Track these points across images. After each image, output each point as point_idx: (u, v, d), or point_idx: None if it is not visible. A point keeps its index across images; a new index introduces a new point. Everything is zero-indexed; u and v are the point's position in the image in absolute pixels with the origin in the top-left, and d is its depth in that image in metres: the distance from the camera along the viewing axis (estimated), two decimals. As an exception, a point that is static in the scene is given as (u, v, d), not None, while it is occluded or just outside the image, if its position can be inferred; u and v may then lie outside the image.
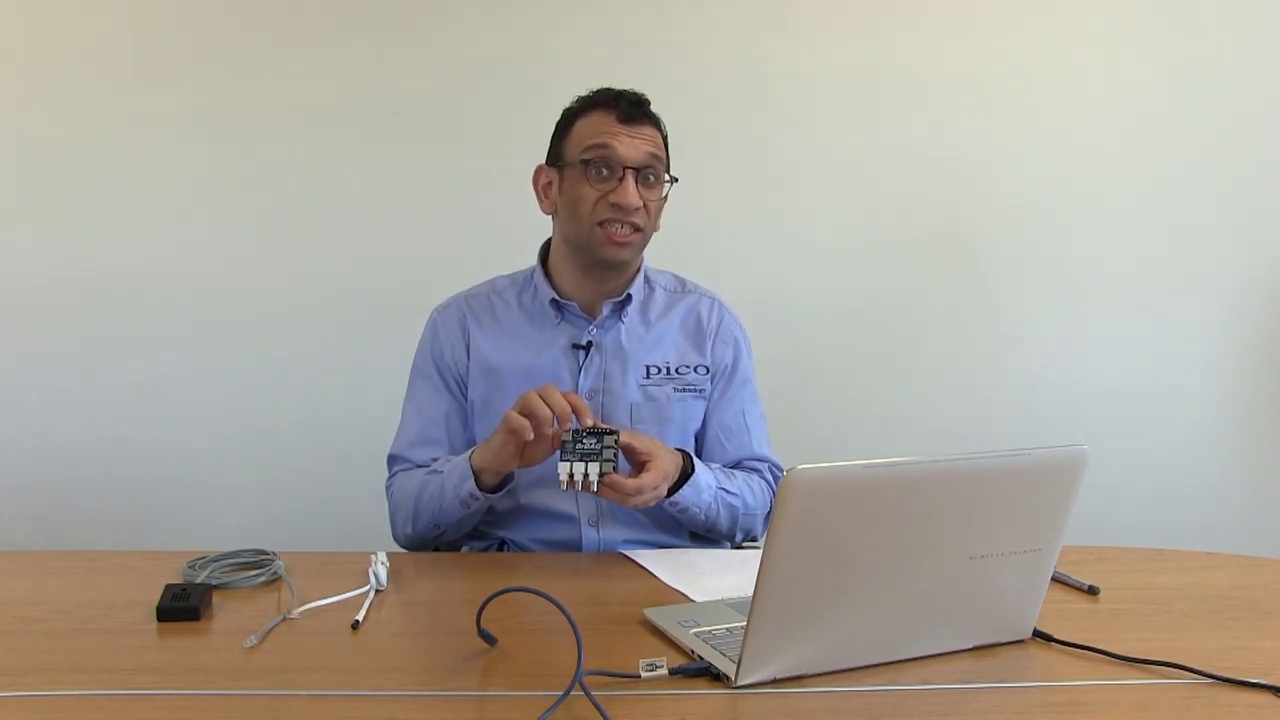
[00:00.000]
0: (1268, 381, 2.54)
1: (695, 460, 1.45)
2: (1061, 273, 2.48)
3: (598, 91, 1.50)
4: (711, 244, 2.34)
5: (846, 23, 2.37)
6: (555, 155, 1.51)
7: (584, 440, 1.31)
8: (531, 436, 1.32)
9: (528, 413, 1.31)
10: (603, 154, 1.44)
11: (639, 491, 1.32)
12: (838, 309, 2.46)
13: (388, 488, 1.57)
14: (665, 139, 1.52)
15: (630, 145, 1.44)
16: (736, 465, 1.58)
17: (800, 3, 2.37)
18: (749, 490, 1.53)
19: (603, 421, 1.44)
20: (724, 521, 1.49)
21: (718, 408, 1.58)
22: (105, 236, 2.31)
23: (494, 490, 1.42)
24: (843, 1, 2.37)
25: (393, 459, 1.58)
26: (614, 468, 1.31)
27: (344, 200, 2.34)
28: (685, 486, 1.42)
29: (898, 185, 2.43)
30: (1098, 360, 2.50)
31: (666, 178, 1.49)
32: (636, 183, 1.44)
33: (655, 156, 1.46)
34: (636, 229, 1.46)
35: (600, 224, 1.45)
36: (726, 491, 1.48)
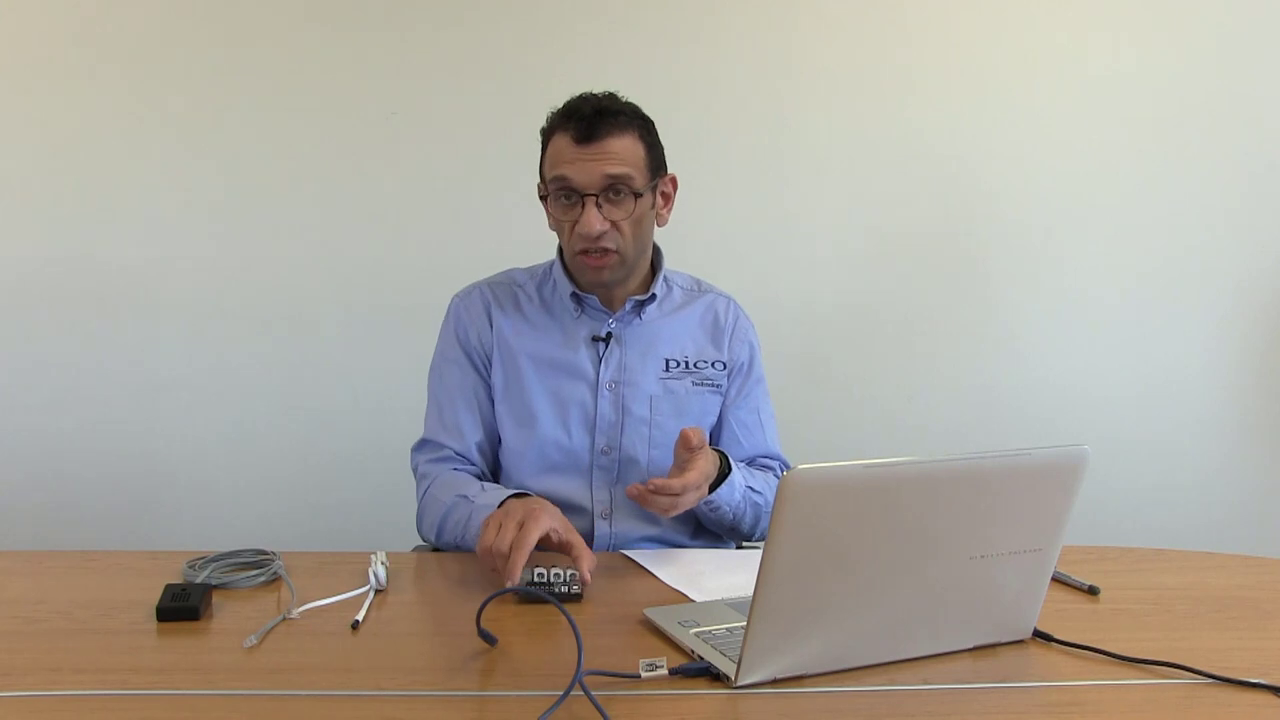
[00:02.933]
0: (1268, 380, 2.54)
1: (731, 460, 1.45)
2: (1062, 272, 2.48)
3: (563, 106, 1.47)
4: (716, 244, 2.34)
5: (850, 25, 2.37)
6: (540, 176, 1.51)
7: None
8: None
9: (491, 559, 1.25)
10: (562, 185, 1.43)
11: (684, 489, 1.31)
12: (839, 309, 2.46)
13: (417, 470, 1.55)
14: (646, 137, 1.47)
15: (584, 170, 1.41)
16: (750, 462, 1.59)
17: (804, 4, 2.36)
18: (768, 488, 1.53)
19: (623, 409, 1.50)
20: (748, 520, 1.50)
21: (735, 404, 1.59)
22: (104, 235, 2.31)
23: None
24: (846, 3, 2.37)
25: (425, 443, 1.57)
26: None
27: (344, 200, 2.34)
28: (723, 485, 1.42)
29: (900, 186, 2.43)
30: (1098, 359, 2.50)
31: (639, 188, 1.44)
32: (599, 206, 1.42)
33: (615, 176, 1.41)
34: (611, 250, 1.45)
35: (579, 252, 1.46)
36: (753, 490, 1.49)
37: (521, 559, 1.19)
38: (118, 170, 2.30)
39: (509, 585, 1.17)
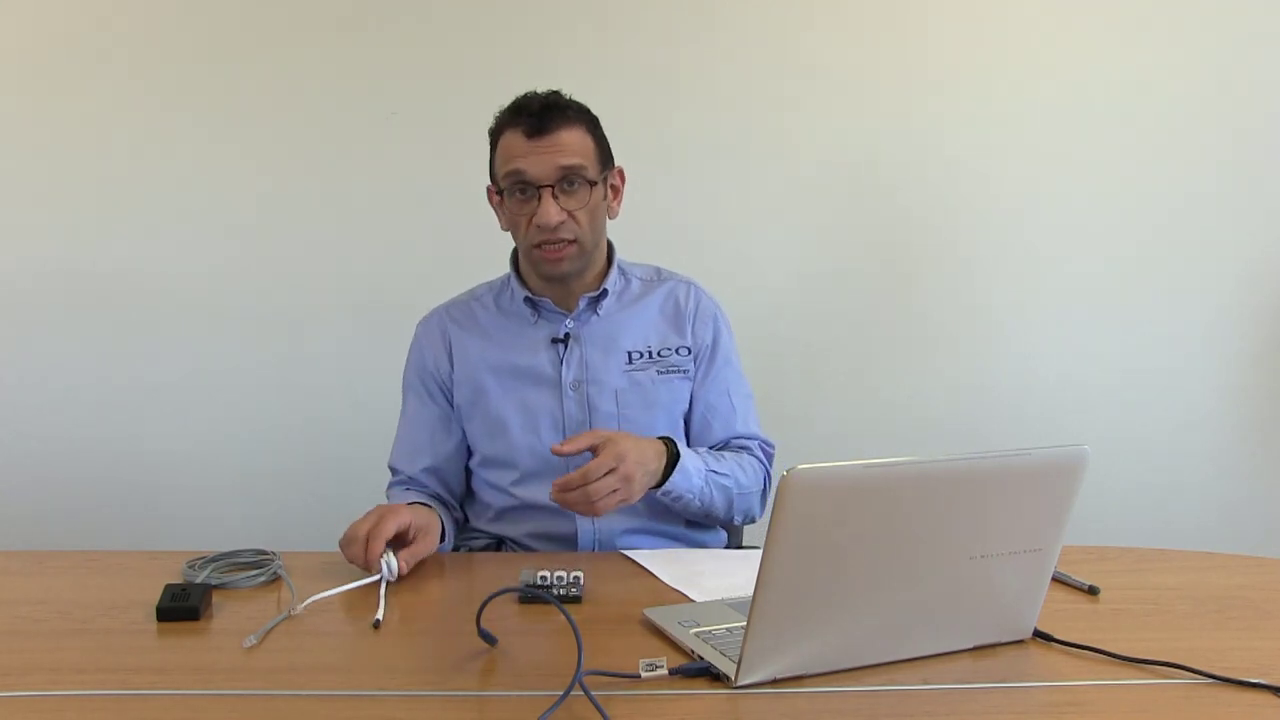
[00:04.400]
0: (1268, 379, 2.54)
1: (680, 445, 1.44)
2: (1062, 271, 2.47)
3: (510, 105, 1.49)
4: (708, 240, 2.33)
5: (843, 21, 2.37)
6: (492, 176, 1.53)
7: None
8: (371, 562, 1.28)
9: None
10: (516, 179, 1.45)
11: (585, 479, 1.28)
12: (839, 309, 2.46)
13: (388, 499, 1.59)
14: (594, 130, 1.50)
15: (538, 163, 1.43)
16: (725, 445, 1.58)
17: (802, 3, 2.36)
18: (740, 470, 1.52)
19: (589, 407, 1.51)
20: (719, 505, 1.48)
21: (702, 388, 1.58)
22: (105, 236, 2.31)
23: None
24: (835, 3, 2.37)
25: (390, 468, 1.61)
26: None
27: (344, 201, 2.34)
28: (674, 474, 1.40)
29: (896, 182, 2.42)
30: (1099, 358, 2.50)
31: (592, 178, 1.46)
32: (555, 196, 1.44)
33: (569, 167, 1.43)
34: (570, 241, 1.46)
35: (536, 245, 1.47)
36: (716, 473, 1.48)
37: (377, 547, 1.26)
38: (117, 173, 2.30)
39: (370, 573, 1.26)
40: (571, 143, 1.45)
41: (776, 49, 2.37)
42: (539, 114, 1.44)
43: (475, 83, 2.32)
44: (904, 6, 2.38)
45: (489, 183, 1.55)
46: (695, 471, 1.44)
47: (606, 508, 1.31)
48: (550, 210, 1.43)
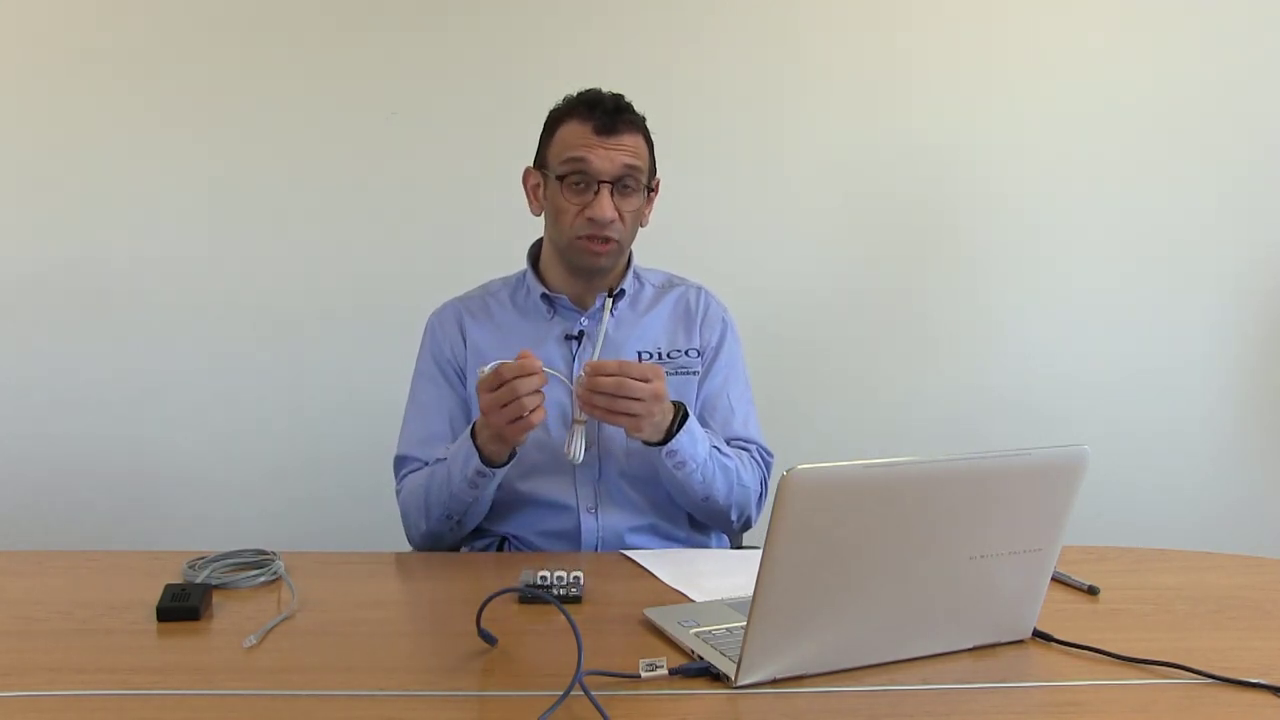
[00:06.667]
0: (1267, 379, 2.54)
1: (687, 408, 1.44)
2: (1063, 268, 2.47)
3: (579, 96, 1.51)
4: (709, 240, 2.34)
5: (844, 20, 2.37)
6: (540, 160, 1.55)
7: None
8: (524, 413, 1.31)
9: (504, 400, 1.30)
10: (578, 168, 1.46)
11: (622, 370, 1.30)
12: (839, 308, 2.46)
13: (397, 492, 1.57)
14: (649, 140, 1.53)
15: (605, 158, 1.46)
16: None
17: (793, 5, 2.36)
18: (739, 462, 1.52)
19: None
20: (720, 486, 1.47)
21: (701, 385, 1.59)
22: (106, 235, 2.31)
23: (503, 464, 1.42)
24: (837, 3, 2.37)
25: (399, 460, 1.59)
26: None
27: (345, 200, 2.34)
28: (681, 433, 1.40)
29: (896, 182, 2.42)
30: (1101, 356, 2.50)
31: (645, 184, 1.51)
32: (612, 195, 1.47)
33: (631, 167, 1.47)
34: (613, 239, 1.49)
35: (579, 236, 1.48)
36: (719, 451, 1.48)
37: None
38: (116, 171, 2.29)
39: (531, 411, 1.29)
40: (634, 146, 1.49)
41: (776, 49, 2.37)
42: (612, 113, 1.47)
43: (476, 83, 2.33)
44: (907, 7, 2.38)
45: (534, 166, 1.55)
46: (701, 438, 1.43)
47: (624, 410, 1.31)
48: (607, 206, 1.46)
